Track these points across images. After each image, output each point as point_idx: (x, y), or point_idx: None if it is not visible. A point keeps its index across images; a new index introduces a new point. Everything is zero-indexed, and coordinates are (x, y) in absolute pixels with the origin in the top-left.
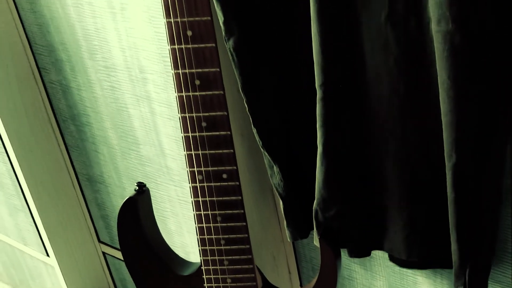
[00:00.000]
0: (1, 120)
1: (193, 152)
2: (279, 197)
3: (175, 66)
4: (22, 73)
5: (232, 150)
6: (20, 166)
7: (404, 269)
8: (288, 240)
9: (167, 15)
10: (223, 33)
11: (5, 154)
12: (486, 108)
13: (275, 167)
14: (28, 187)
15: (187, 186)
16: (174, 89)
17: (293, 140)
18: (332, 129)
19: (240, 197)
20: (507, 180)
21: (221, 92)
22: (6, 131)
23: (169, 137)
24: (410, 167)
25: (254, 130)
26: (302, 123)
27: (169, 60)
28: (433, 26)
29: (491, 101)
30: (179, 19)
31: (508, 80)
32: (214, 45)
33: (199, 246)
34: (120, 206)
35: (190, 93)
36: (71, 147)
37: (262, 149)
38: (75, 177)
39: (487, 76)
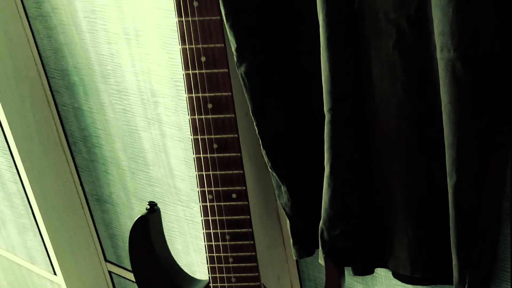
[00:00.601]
0: (14, 141)
1: (204, 173)
2: (286, 216)
3: (189, 90)
4: (36, 95)
5: (241, 171)
6: (31, 186)
7: (407, 286)
8: (294, 258)
9: (183, 41)
10: (235, 59)
11: (17, 175)
12: (485, 131)
13: (282, 187)
14: (38, 207)
15: (194, 206)
16: (184, 112)
17: (301, 161)
18: (339, 151)
19: (248, 216)
20: (506, 202)
21: (233, 115)
22: (18, 151)
23: (178, 159)
24: (414, 187)
25: (263, 152)
26: (309, 145)
27: (181, 84)
28: (438, 54)
29: (490, 124)
30: (194, 46)
31: (507, 105)
32: (226, 70)
33: (207, 264)
34: (128, 225)
35: (203, 116)
36: (81, 168)
37: (270, 170)
38: (83, 197)
39: (486, 101)
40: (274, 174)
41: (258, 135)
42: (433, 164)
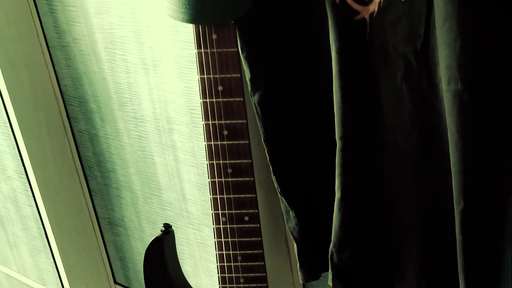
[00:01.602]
0: (31, 165)
1: (218, 196)
2: (293, 240)
3: (206, 118)
4: (53, 122)
5: (254, 195)
6: (45, 209)
7: None
8: (300, 281)
9: (201, 71)
10: (249, 88)
11: (32, 198)
12: (491, 159)
13: (291, 212)
14: (52, 229)
15: (205, 229)
16: (198, 139)
17: (310, 187)
18: (350, 177)
19: (260, 238)
20: (510, 226)
21: (247, 141)
22: (34, 175)
23: (191, 183)
24: (422, 212)
25: (274, 178)
26: (318, 172)
27: (196, 112)
28: (444, 86)
29: (496, 153)
30: (211, 76)
31: (511, 134)
32: (242, 99)
33: (219, 284)
34: (139, 248)
35: (218, 142)
36: (95, 192)
37: (280, 195)
38: (96, 220)
39: (492, 131)
40: (283, 200)
41: (269, 162)
42: (440, 191)
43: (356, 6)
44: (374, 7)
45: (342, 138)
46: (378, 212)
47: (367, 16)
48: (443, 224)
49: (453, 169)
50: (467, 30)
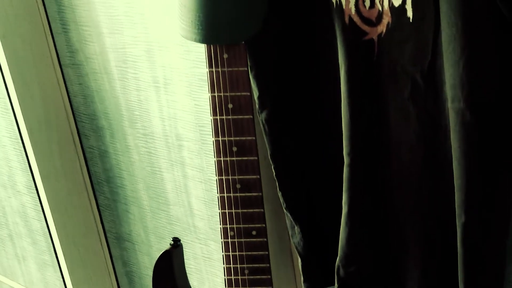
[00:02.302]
0: (41, 180)
1: (227, 211)
2: (298, 255)
3: (216, 134)
4: (64, 138)
5: (262, 209)
6: (54, 223)
7: None
8: None
9: (212, 90)
10: (257, 106)
11: (41, 212)
12: (492, 175)
13: (296, 227)
14: (60, 244)
15: (212, 244)
16: (207, 155)
17: (315, 203)
18: (356, 192)
19: (267, 252)
20: (510, 241)
21: (255, 158)
22: (44, 190)
23: (199, 199)
24: (426, 225)
25: (280, 193)
26: (323, 188)
27: (205, 129)
28: (449, 104)
29: (497, 168)
30: (222, 94)
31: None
32: (251, 116)
33: None
34: (146, 262)
35: (228, 158)
36: (103, 207)
37: (285, 211)
38: (103, 235)
39: (492, 148)
40: (289, 215)
41: (275, 177)
42: (444, 205)
43: (365, 27)
44: (382, 28)
45: (350, 154)
46: (383, 226)
47: (375, 37)
48: (447, 236)
49: (456, 183)
50: (469, 52)
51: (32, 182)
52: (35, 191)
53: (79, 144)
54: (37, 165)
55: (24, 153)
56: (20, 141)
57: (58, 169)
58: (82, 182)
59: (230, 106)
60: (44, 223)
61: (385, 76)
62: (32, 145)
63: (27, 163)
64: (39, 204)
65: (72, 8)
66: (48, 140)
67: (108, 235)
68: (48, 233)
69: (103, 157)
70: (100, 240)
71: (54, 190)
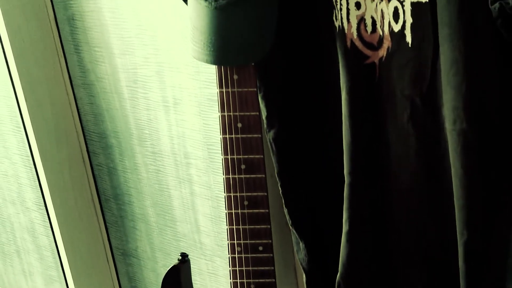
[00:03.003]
0: (51, 197)
1: (234, 227)
2: (302, 270)
3: (225, 152)
4: (74, 155)
5: (269, 226)
6: (62, 239)
7: None
8: None
9: (222, 109)
10: (265, 126)
11: (50, 229)
12: (493, 194)
13: (301, 243)
14: (67, 259)
15: (217, 260)
16: (214, 173)
17: (319, 220)
18: (357, 210)
19: (273, 267)
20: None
21: (263, 175)
22: (53, 207)
23: (206, 216)
24: (426, 244)
25: (286, 210)
26: (328, 205)
27: (213, 148)
28: (449, 125)
29: (499, 188)
30: (232, 113)
31: None
32: (260, 135)
33: None
34: (151, 278)
35: (236, 176)
36: (110, 224)
37: (291, 227)
38: (110, 251)
39: (495, 167)
40: (294, 231)
41: (281, 195)
42: (445, 223)
43: (366, 51)
44: (383, 52)
45: (351, 173)
46: (384, 244)
47: (376, 61)
48: (447, 254)
49: (457, 202)
50: (472, 74)
51: (42, 198)
52: (44, 208)
53: (88, 162)
54: (47, 182)
55: (34, 170)
56: (31, 159)
57: (67, 186)
58: (90, 199)
59: (239, 125)
60: (52, 239)
61: (385, 98)
62: (42, 163)
63: (37, 180)
64: (48, 220)
65: (85, 29)
66: (58, 158)
67: (114, 251)
68: (55, 248)
69: (111, 175)
70: (107, 256)
71: (63, 206)
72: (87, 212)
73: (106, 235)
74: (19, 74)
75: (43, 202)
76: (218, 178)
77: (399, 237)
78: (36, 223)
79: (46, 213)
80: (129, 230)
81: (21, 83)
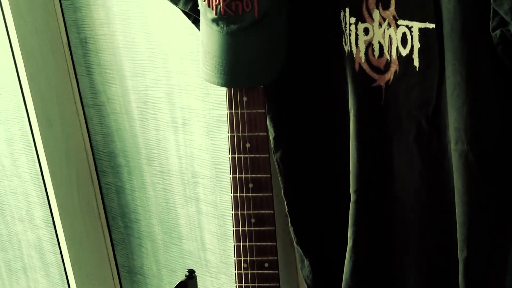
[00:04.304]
0: (59, 214)
1: (241, 244)
2: (307, 287)
3: (233, 172)
4: (82, 174)
5: (274, 243)
6: (69, 257)
7: None
8: None
9: (231, 130)
10: (272, 146)
11: (57, 246)
12: (493, 213)
13: (306, 261)
14: (74, 277)
15: (222, 277)
16: (221, 192)
17: (324, 238)
18: (361, 228)
19: (278, 284)
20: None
21: (270, 194)
22: (62, 224)
23: (212, 233)
24: (429, 261)
25: (291, 229)
26: (333, 224)
27: (221, 167)
28: (452, 146)
29: (498, 206)
30: (240, 134)
31: None
32: (267, 155)
33: None
34: None
35: (244, 194)
36: (116, 241)
37: (296, 245)
38: (115, 268)
39: (494, 186)
40: (299, 249)
41: (287, 213)
42: (446, 240)
43: (373, 75)
44: (390, 75)
45: (356, 191)
46: (387, 260)
47: (383, 84)
48: (449, 271)
49: (458, 220)
50: (473, 98)
51: (50, 216)
52: (52, 225)
53: (97, 180)
54: (56, 200)
55: (43, 188)
56: (41, 177)
57: (75, 204)
58: (97, 217)
59: (247, 145)
60: (59, 256)
61: (391, 120)
62: (52, 181)
63: (46, 198)
64: (55, 238)
65: (97, 52)
66: (67, 176)
67: (120, 268)
68: (62, 265)
69: (119, 193)
70: (112, 273)
71: (71, 224)
72: (94, 230)
73: (112, 253)
74: (31, 95)
75: (51, 220)
76: (224, 197)
77: (403, 255)
78: (43, 240)
79: (54, 230)
80: (135, 247)
81: (33, 103)
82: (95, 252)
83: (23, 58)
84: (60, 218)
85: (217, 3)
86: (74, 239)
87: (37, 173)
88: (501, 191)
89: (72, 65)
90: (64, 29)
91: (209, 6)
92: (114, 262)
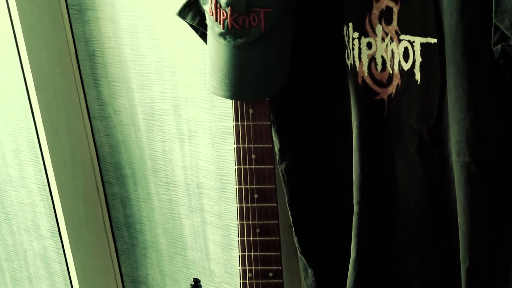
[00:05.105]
0: (65, 225)
1: (246, 254)
2: None
3: (239, 182)
4: (88, 185)
5: (279, 253)
6: (75, 266)
7: None
8: None
9: (237, 141)
10: (277, 157)
11: (63, 256)
12: (495, 223)
13: (309, 270)
14: (79, 286)
15: (226, 286)
16: (226, 202)
17: (328, 248)
18: (364, 238)
19: None
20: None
21: (275, 204)
22: (67, 235)
23: (216, 244)
24: (430, 270)
25: (295, 238)
26: (336, 234)
27: (226, 178)
28: (454, 157)
29: (500, 217)
30: (246, 145)
31: None
32: (272, 166)
33: None
34: None
35: (249, 204)
36: (121, 251)
37: (300, 254)
38: (120, 278)
39: (496, 197)
40: (303, 259)
41: (291, 223)
42: (448, 250)
43: (376, 88)
44: (392, 89)
45: (359, 203)
46: (390, 271)
47: (385, 97)
48: (452, 280)
49: (460, 230)
50: (474, 111)
51: (56, 226)
52: (58, 235)
53: (102, 191)
54: (62, 210)
55: (50, 198)
56: (47, 188)
57: (81, 214)
58: (102, 227)
59: (253, 156)
60: (65, 265)
61: (393, 133)
62: (58, 191)
63: (52, 208)
64: (61, 247)
65: (105, 65)
66: (73, 187)
67: (124, 278)
68: (67, 275)
69: (124, 204)
70: (117, 283)
71: (76, 234)
72: (99, 240)
73: (117, 263)
74: (39, 106)
75: (57, 230)
76: (229, 208)
77: (405, 264)
78: (49, 250)
79: (59, 240)
80: (140, 258)
81: (41, 115)
82: (100, 262)
83: (31, 70)
84: (66, 228)
85: (224, 17)
86: (80, 249)
87: (44, 184)
88: (503, 201)
89: (79, 78)
90: (72, 42)
91: (216, 20)
92: (118, 272)
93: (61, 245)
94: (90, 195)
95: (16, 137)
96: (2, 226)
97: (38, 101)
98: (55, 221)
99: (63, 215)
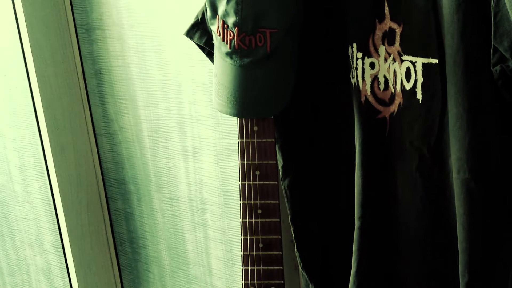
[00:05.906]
0: (69, 240)
1: (249, 268)
2: None
3: (243, 198)
4: (92, 201)
5: (281, 267)
6: (77, 281)
7: None
8: None
9: (242, 158)
10: (280, 174)
11: (66, 271)
12: (494, 239)
13: (311, 285)
14: None
15: None
16: (229, 218)
17: (329, 262)
18: (365, 253)
19: None
20: None
21: (278, 219)
22: (71, 250)
23: (219, 259)
24: (430, 285)
25: (297, 254)
26: (337, 249)
27: (229, 194)
28: (454, 174)
29: (499, 233)
30: (251, 162)
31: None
32: (276, 182)
33: None
34: None
35: (253, 220)
36: (124, 266)
37: (301, 270)
38: None
39: (495, 213)
40: (304, 274)
41: (294, 239)
42: (448, 266)
43: (378, 107)
44: (394, 108)
45: (360, 218)
46: (390, 285)
47: (387, 115)
48: None
49: (459, 246)
50: (474, 129)
51: (59, 241)
52: (62, 250)
53: (106, 207)
54: (66, 225)
55: (54, 214)
56: (52, 203)
57: (84, 229)
58: (105, 242)
59: (257, 173)
60: (67, 280)
61: (395, 150)
62: (62, 207)
63: (56, 223)
64: (64, 262)
65: (111, 83)
66: (78, 202)
67: None
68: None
69: (128, 219)
70: None
71: (80, 249)
72: (102, 255)
73: (119, 277)
74: (46, 123)
75: (60, 245)
76: (232, 223)
77: (405, 279)
78: (52, 265)
79: (63, 255)
80: (142, 272)
81: (47, 131)
82: (103, 277)
83: (39, 87)
84: (70, 243)
85: (231, 37)
86: (83, 264)
87: (48, 199)
88: (502, 218)
89: (86, 95)
90: (79, 60)
91: (223, 40)
92: (121, 287)
93: (64, 260)
94: (94, 210)
95: (22, 153)
96: (6, 241)
97: (45, 118)
98: (58, 236)
99: (67, 230)
